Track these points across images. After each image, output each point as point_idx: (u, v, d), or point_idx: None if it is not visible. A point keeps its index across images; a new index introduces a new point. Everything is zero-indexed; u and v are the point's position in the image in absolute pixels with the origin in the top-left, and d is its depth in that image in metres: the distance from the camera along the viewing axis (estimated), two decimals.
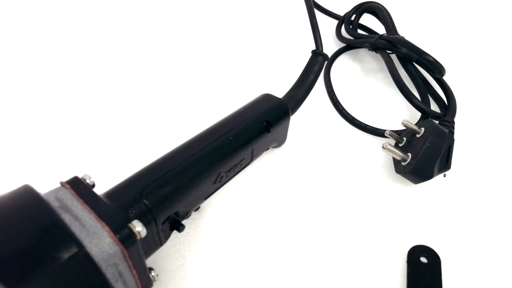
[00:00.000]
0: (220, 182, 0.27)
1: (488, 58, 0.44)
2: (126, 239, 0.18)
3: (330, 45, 0.44)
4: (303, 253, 0.25)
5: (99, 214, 0.18)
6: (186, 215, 0.25)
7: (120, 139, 0.32)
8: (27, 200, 0.17)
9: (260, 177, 0.30)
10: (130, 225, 0.19)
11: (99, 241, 0.17)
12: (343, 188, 0.29)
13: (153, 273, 0.22)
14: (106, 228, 0.18)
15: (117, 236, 0.18)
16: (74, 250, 0.16)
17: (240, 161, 0.27)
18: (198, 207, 0.27)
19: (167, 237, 0.25)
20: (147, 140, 0.32)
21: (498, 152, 0.33)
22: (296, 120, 0.34)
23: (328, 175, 0.30)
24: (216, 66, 0.40)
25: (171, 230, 0.24)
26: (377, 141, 0.32)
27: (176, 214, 0.24)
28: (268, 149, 0.32)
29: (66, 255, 0.15)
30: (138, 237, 0.19)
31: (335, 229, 0.26)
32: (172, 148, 0.24)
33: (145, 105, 0.35)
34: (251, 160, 0.29)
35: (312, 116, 0.35)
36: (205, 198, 0.26)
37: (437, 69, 0.32)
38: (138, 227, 0.19)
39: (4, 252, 0.15)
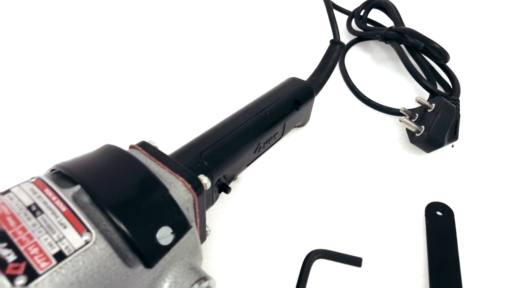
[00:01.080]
0: (258, 152, 0.30)
1: (486, 47, 0.49)
2: (197, 188, 0.22)
3: (341, 38, 0.47)
4: (332, 213, 0.29)
5: (172, 168, 0.22)
6: (231, 179, 0.29)
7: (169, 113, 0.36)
8: (122, 156, 0.20)
9: (288, 152, 0.34)
10: (198, 177, 0.22)
11: (175, 189, 0.21)
12: (365, 159, 0.33)
13: (207, 228, 0.26)
14: (181, 178, 0.21)
15: (190, 185, 0.21)
16: (162, 192, 0.19)
17: (274, 134, 0.31)
18: (236, 177, 0.30)
19: (216, 198, 0.28)
20: (196, 114, 0.36)
21: (499, 126, 0.37)
22: (317, 103, 0.38)
23: (350, 149, 0.34)
24: (246, 55, 0.44)
25: (219, 192, 0.28)
26: (391, 119, 0.36)
27: (224, 177, 0.27)
28: (295, 126, 0.36)
29: (158, 195, 0.19)
30: (205, 188, 0.22)
31: (362, 192, 0.30)
32: (221, 120, 0.28)
33: (195, 86, 0.39)
34: (282, 134, 0.33)
35: (331, 99, 0.39)
36: (247, 166, 0.30)
37: (442, 55, 0.36)
38: (205, 180, 0.22)
39: (118, 193, 0.18)
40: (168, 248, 0.18)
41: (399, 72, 0.42)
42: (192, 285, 0.18)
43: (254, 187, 0.31)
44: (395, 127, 0.36)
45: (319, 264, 0.26)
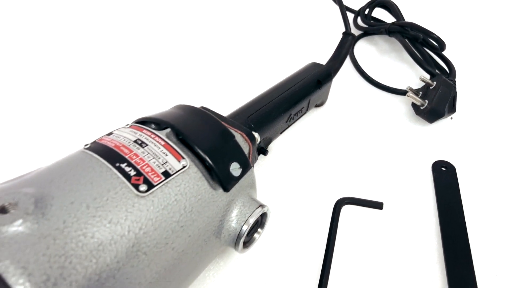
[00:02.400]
0: (289, 122, 0.35)
1: (475, 37, 0.55)
2: (252, 140, 0.27)
3: None
4: (354, 170, 0.34)
5: (231, 124, 0.27)
6: (268, 143, 0.34)
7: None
8: (198, 110, 0.25)
9: (311, 127, 0.39)
10: (252, 132, 0.27)
11: (236, 139, 0.26)
12: (378, 130, 0.38)
13: None
14: (239, 132, 0.26)
15: (247, 137, 0.26)
16: (231, 137, 0.24)
17: (301, 108, 0.36)
18: (272, 141, 0.35)
19: (255, 159, 0.33)
20: (238, 89, 0.42)
21: (490, 103, 0.43)
22: (333, 87, 0.43)
23: (364, 123, 0.39)
24: (270, 45, 0.50)
25: (259, 155, 0.33)
26: (398, 98, 0.42)
27: (263, 140, 0.32)
28: (315, 105, 0.41)
29: (228, 139, 0.24)
30: (257, 141, 0.27)
31: (378, 155, 0.35)
32: (260, 93, 0.33)
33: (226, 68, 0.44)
34: (307, 110, 0.38)
35: (345, 83, 0.44)
36: (280, 133, 0.35)
37: (440, 44, 0.42)
38: (256, 135, 0.27)
39: (200, 134, 0.23)
40: (238, 178, 0.23)
41: (401, 62, 0.48)
42: (256, 208, 0.23)
43: (285, 154, 0.36)
44: (401, 105, 0.41)
45: (346, 209, 0.30)
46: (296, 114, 0.36)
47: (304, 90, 0.36)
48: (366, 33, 0.51)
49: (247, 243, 0.24)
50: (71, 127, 0.37)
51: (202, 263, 0.22)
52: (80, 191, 0.18)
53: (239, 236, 0.23)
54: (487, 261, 0.28)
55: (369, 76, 0.44)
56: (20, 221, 0.15)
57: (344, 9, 0.44)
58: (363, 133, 0.38)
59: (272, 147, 0.37)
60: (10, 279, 0.14)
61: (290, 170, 0.34)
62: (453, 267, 0.26)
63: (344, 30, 0.43)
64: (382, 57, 0.49)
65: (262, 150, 0.33)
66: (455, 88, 0.38)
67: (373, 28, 0.49)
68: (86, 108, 0.39)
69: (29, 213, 0.16)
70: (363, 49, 0.51)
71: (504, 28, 0.58)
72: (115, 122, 0.31)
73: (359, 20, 0.52)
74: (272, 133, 0.33)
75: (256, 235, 0.25)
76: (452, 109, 0.37)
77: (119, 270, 0.17)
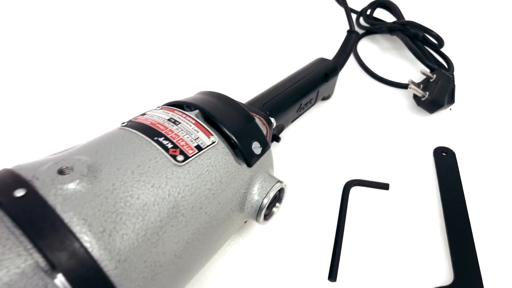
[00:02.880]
0: (299, 112, 0.38)
1: (472, 35, 0.58)
2: (269, 123, 0.29)
3: None
4: (361, 154, 0.36)
5: (249, 110, 0.29)
6: (280, 131, 0.36)
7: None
8: (222, 95, 0.27)
9: (318, 118, 0.41)
10: (269, 117, 0.29)
11: (256, 122, 0.28)
12: (381, 121, 0.41)
13: None
14: (257, 116, 0.29)
15: (265, 121, 0.28)
16: (252, 119, 0.26)
17: (310, 99, 0.39)
18: (284, 128, 0.37)
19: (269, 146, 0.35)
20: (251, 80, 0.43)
21: (486, 95, 0.45)
22: (338, 82, 0.45)
23: (369, 114, 0.42)
24: (280, 42, 0.52)
25: (272, 142, 0.35)
26: (399, 91, 0.45)
27: (276, 127, 0.34)
28: (322, 98, 0.43)
29: (249, 120, 0.26)
30: (273, 125, 0.30)
31: (383, 142, 0.38)
32: (273, 84, 0.35)
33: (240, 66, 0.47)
34: (315, 101, 0.40)
35: (349, 79, 0.47)
36: (291, 122, 0.37)
37: (439, 41, 0.44)
38: (272, 120, 0.30)
39: (226, 115, 0.25)
40: (259, 156, 0.25)
41: (402, 58, 0.51)
42: (275, 183, 0.25)
43: (296, 142, 0.38)
44: (403, 97, 0.44)
45: (355, 191, 0.33)
46: (306, 104, 0.38)
47: (313, 82, 0.38)
48: (368, 31, 0.54)
49: (267, 216, 0.27)
50: (72, 126, 0.39)
51: (227, 231, 0.25)
52: (124, 159, 0.20)
53: (260, 208, 0.25)
54: (485, 233, 0.30)
55: (372, 72, 0.46)
56: (77, 181, 0.18)
57: (348, 9, 0.46)
58: (368, 123, 0.40)
59: (284, 136, 0.39)
60: (75, 228, 0.16)
61: (301, 156, 0.37)
62: (454, 240, 0.28)
63: (348, 28, 0.46)
64: (384, 54, 0.52)
65: (275, 137, 0.35)
66: (454, 81, 0.41)
67: (375, 27, 0.52)
68: (85, 107, 0.41)
69: (84, 175, 0.18)
70: (366, 47, 0.53)
71: (498, 25, 0.61)
72: (116, 118, 0.31)
73: (361, 20, 0.55)
74: (284, 121, 0.35)
75: (274, 209, 0.27)
76: (451, 100, 0.39)
77: (161, 228, 0.19)
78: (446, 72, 0.40)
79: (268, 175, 0.26)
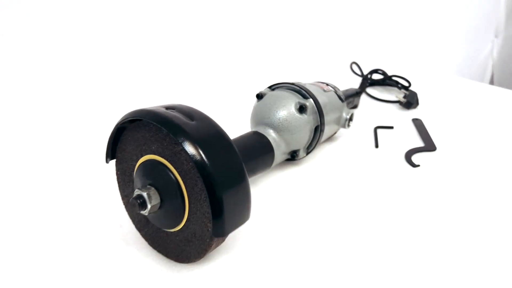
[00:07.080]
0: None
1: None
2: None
3: (356, 84, 1.01)
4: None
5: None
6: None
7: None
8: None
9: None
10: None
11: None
12: (385, 116, 0.81)
13: None
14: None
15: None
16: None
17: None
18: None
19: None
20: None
21: (443, 102, 0.87)
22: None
23: (371, 114, 0.83)
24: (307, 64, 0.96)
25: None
26: (391, 105, 0.87)
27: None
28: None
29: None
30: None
31: (386, 123, 0.78)
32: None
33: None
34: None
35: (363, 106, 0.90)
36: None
37: (408, 82, 0.89)
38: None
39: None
40: (344, 101, 0.65)
41: (389, 92, 0.95)
42: (350, 111, 0.65)
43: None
44: (394, 107, 0.86)
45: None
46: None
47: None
48: (371, 84, 1.00)
49: (347, 126, 0.65)
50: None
51: (329, 132, 0.63)
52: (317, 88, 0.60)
53: (346, 120, 0.64)
54: None
55: (374, 96, 0.90)
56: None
57: (365, 79, 0.93)
58: (370, 120, 0.81)
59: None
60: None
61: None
62: None
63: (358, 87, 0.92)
64: (381, 94, 0.96)
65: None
66: (416, 94, 0.84)
67: (373, 81, 0.98)
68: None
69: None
70: (370, 90, 0.98)
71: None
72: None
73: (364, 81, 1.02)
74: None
75: (350, 123, 0.66)
76: (417, 104, 0.82)
77: (325, 107, 0.58)
78: (412, 91, 0.84)
79: (347, 108, 0.66)
